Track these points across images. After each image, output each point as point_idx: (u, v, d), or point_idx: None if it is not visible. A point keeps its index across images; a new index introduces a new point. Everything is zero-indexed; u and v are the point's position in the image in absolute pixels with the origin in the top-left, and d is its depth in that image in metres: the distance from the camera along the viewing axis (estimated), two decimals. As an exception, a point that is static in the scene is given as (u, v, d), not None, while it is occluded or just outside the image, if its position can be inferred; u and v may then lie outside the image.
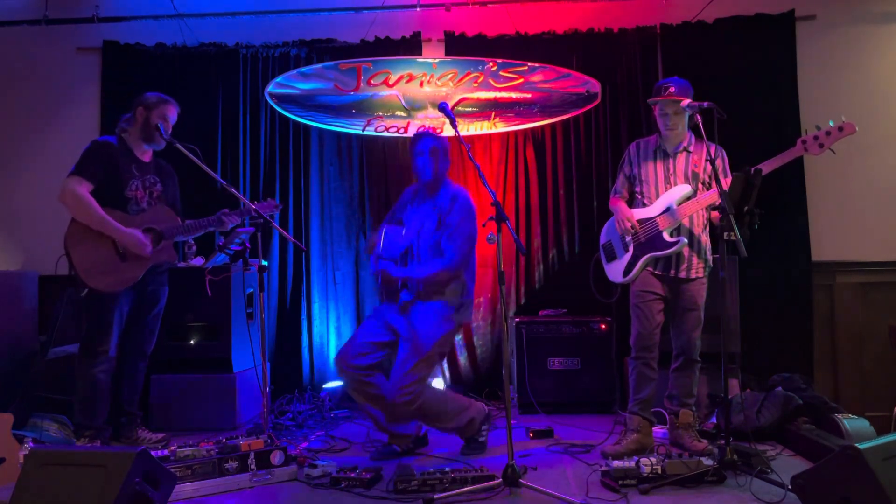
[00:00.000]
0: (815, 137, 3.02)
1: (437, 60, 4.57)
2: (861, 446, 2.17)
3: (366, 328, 3.26)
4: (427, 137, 3.30)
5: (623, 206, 3.34)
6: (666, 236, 3.19)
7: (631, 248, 3.29)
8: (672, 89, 3.18)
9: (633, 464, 2.75)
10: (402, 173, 4.59)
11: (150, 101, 3.46)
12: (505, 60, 4.54)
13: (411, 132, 4.51)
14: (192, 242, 4.17)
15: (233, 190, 3.44)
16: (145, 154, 3.52)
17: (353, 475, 2.83)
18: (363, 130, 4.60)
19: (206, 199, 4.21)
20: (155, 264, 3.42)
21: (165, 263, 3.52)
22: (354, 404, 4.28)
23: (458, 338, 4.48)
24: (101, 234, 3.28)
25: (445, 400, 3.22)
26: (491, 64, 4.51)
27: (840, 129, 3.01)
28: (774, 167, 3.04)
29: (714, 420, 3.57)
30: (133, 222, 3.35)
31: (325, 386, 4.41)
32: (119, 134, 3.47)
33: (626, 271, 3.30)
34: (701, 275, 3.25)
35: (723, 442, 2.86)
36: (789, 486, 2.44)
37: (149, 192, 3.46)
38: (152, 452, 2.43)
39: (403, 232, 3.29)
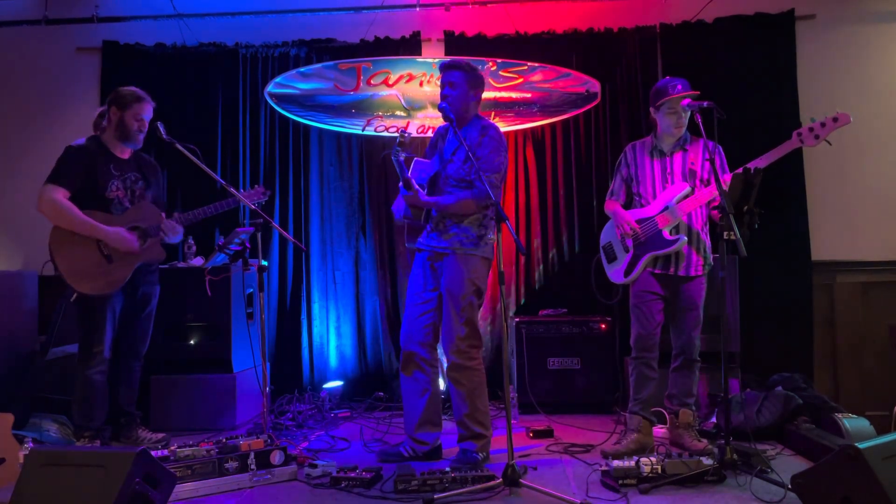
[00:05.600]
0: (811, 129, 3.02)
1: (436, 60, 4.56)
2: (861, 446, 2.17)
3: (411, 301, 3.25)
4: (447, 70, 3.18)
5: (620, 210, 3.34)
6: (666, 234, 3.19)
7: (631, 249, 3.29)
8: (679, 87, 3.18)
9: (633, 463, 2.75)
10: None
11: (123, 100, 3.39)
12: (505, 60, 4.53)
13: (411, 132, 4.52)
14: (192, 242, 4.17)
15: (232, 190, 3.44)
16: (124, 151, 3.47)
17: (353, 475, 2.82)
18: (363, 130, 4.60)
19: (207, 200, 4.20)
20: (143, 263, 3.40)
21: (154, 262, 3.51)
22: (354, 404, 4.30)
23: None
24: (85, 237, 3.25)
25: (487, 405, 3.21)
26: (490, 64, 4.51)
27: (835, 119, 3.00)
28: (771, 161, 3.04)
29: (714, 420, 3.57)
30: (117, 222, 3.32)
31: (325, 386, 4.41)
32: (95, 134, 3.44)
33: (628, 272, 3.29)
34: (700, 272, 3.25)
35: (723, 441, 2.86)
36: (789, 486, 2.44)
37: (130, 190, 3.42)
38: (152, 452, 2.43)
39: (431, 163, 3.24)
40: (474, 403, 3.12)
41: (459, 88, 3.15)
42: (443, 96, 3.17)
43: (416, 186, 3.15)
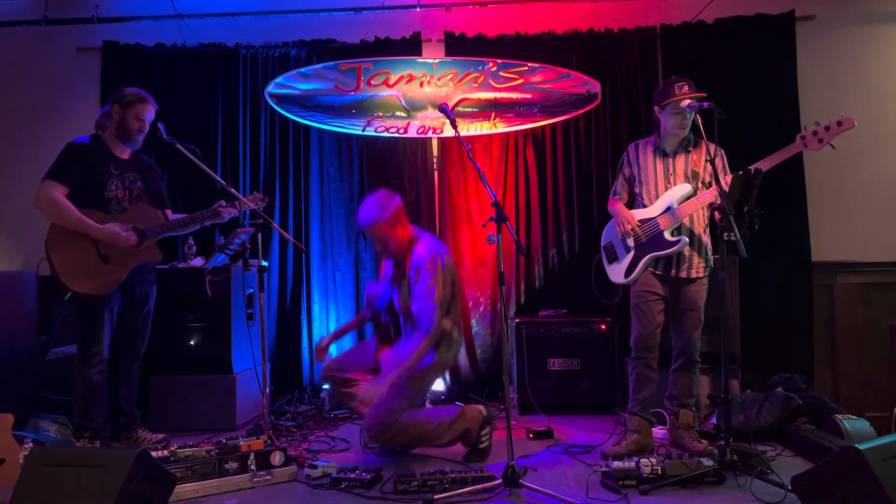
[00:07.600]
0: (815, 133, 3.02)
1: (437, 61, 4.57)
2: (861, 446, 2.17)
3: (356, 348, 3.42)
4: (368, 230, 3.23)
5: (622, 207, 3.34)
6: (667, 236, 3.19)
7: (632, 249, 3.29)
8: (686, 88, 3.17)
9: (633, 464, 2.75)
10: (402, 173, 4.60)
11: (125, 99, 3.39)
12: (505, 61, 4.53)
13: (411, 132, 4.53)
14: (193, 243, 4.17)
15: (232, 190, 3.45)
16: (124, 151, 3.47)
17: (353, 476, 2.83)
18: (363, 130, 4.60)
19: (208, 201, 4.20)
20: (140, 264, 3.40)
21: (151, 263, 3.51)
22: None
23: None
24: (82, 236, 3.24)
25: (430, 420, 3.17)
26: (491, 64, 4.51)
27: (839, 123, 3.00)
28: (774, 164, 3.04)
29: (714, 420, 3.57)
30: (115, 223, 3.31)
31: (325, 386, 4.40)
32: (96, 132, 3.44)
33: (628, 272, 3.29)
34: (701, 274, 3.25)
35: (723, 442, 2.86)
36: (789, 487, 2.44)
37: (129, 190, 3.42)
38: (152, 453, 2.43)
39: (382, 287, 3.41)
40: (434, 434, 3.19)
41: (385, 238, 3.21)
42: (380, 252, 3.33)
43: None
